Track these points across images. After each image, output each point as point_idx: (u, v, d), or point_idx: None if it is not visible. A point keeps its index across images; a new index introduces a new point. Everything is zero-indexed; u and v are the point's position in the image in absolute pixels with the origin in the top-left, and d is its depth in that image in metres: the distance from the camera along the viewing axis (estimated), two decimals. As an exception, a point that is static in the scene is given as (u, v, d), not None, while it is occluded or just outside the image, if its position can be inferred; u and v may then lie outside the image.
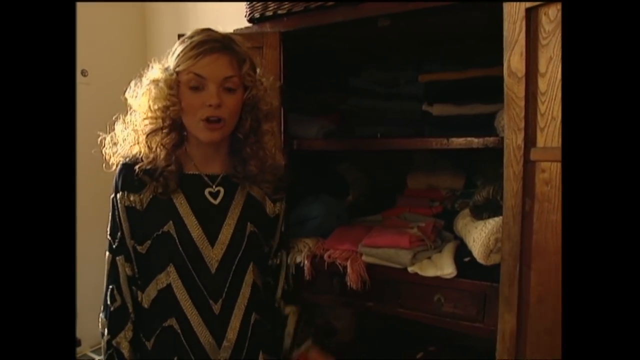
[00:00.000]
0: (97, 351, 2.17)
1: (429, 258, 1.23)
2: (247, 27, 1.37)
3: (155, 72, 0.89)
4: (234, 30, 1.37)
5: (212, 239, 0.92)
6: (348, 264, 1.26)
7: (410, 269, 1.20)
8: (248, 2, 1.35)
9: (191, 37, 0.88)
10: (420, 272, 1.19)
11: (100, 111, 1.98)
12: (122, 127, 0.94)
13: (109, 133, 0.95)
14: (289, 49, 1.31)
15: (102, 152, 0.95)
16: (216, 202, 0.94)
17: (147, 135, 0.90)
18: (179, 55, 0.87)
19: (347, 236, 1.36)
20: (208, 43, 0.86)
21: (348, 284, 1.25)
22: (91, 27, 2.03)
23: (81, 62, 2.01)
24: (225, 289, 0.92)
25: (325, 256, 1.31)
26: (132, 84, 0.93)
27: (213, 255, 0.91)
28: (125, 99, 0.94)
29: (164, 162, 0.89)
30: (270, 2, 1.29)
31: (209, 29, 0.90)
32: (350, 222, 1.51)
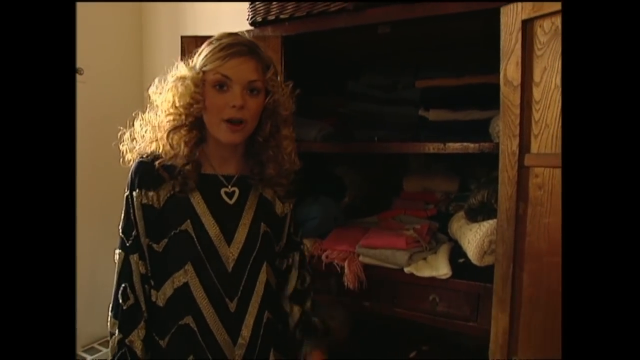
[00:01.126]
0: (88, 351, 2.16)
1: (425, 259, 1.26)
2: (248, 30, 1.39)
3: (182, 69, 0.91)
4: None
5: (228, 238, 0.93)
6: (345, 264, 1.29)
7: (406, 270, 1.23)
8: (250, 5, 1.38)
9: (219, 39, 0.91)
10: (416, 273, 1.22)
11: (96, 109, 2.00)
12: (141, 123, 0.95)
13: (128, 129, 0.96)
14: (289, 52, 1.34)
15: (119, 147, 0.96)
16: (231, 202, 0.96)
17: (170, 132, 0.91)
18: (206, 55, 0.90)
19: (344, 237, 1.38)
20: (236, 46, 0.89)
21: (345, 284, 1.28)
22: (87, 25, 2.03)
23: (77, 60, 2.00)
24: (241, 287, 0.93)
25: (323, 256, 1.34)
26: (156, 80, 0.95)
27: (230, 254, 0.93)
28: (148, 95, 0.96)
29: (184, 160, 0.91)
30: (272, 7, 1.32)
31: (236, 34, 0.93)
32: (347, 223, 1.54)
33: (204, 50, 0.91)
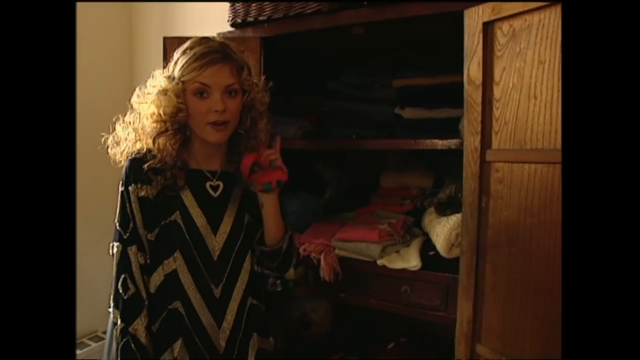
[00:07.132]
0: (78, 345, 2.19)
1: (398, 252, 1.31)
2: (229, 32, 1.44)
3: (161, 81, 0.96)
4: (217, 34, 1.44)
5: (214, 228, 1.00)
6: (322, 257, 1.33)
7: (379, 262, 1.28)
8: (231, 7, 1.42)
9: (192, 48, 0.96)
10: (388, 265, 1.27)
11: (85, 111, 2.03)
12: (123, 126, 1.01)
13: (111, 133, 1.01)
14: (270, 52, 1.38)
15: (107, 152, 1.01)
16: (216, 194, 1.02)
17: (155, 137, 0.96)
18: (183, 66, 0.95)
19: (322, 231, 1.43)
20: (210, 54, 0.94)
21: (322, 276, 1.32)
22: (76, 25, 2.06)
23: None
24: (226, 275, 1.00)
25: (301, 250, 1.38)
26: (137, 90, 1.01)
27: (216, 243, 1.00)
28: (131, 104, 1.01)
29: (171, 161, 0.97)
30: (251, 9, 1.36)
31: (207, 39, 0.99)
32: (326, 218, 1.58)
33: (180, 60, 0.96)
